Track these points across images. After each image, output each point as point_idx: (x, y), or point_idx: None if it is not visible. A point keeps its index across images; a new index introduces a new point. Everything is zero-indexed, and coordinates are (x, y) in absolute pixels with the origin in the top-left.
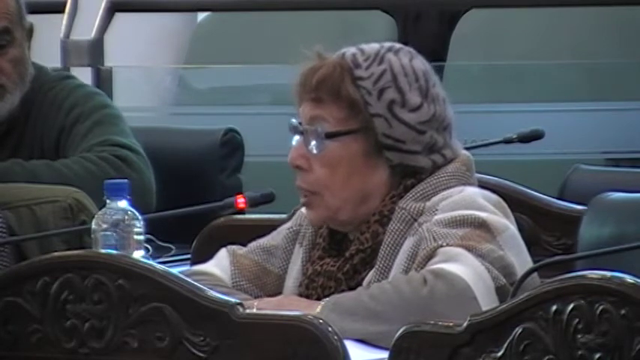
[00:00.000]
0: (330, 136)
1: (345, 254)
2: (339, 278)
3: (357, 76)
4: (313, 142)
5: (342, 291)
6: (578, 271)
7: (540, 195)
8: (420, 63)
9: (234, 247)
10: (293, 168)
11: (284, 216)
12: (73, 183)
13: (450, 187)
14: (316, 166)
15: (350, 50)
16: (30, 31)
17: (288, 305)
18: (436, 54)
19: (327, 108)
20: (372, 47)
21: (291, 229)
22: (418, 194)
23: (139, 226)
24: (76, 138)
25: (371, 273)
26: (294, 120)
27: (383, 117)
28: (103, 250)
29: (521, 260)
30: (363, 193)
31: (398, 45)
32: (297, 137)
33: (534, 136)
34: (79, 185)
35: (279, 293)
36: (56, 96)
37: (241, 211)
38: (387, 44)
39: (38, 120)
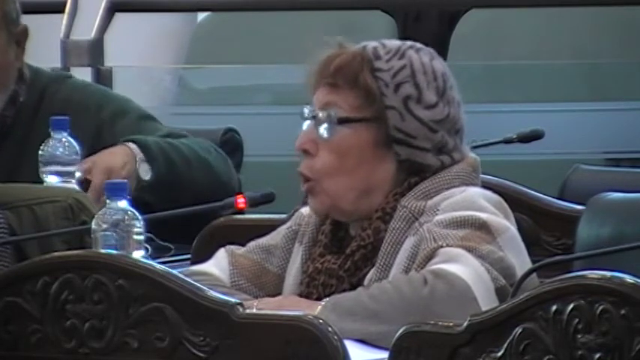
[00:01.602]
0: (342, 121)
1: (345, 251)
2: (340, 276)
3: (376, 67)
4: (325, 126)
5: (344, 289)
6: (578, 271)
7: (540, 195)
8: (440, 64)
9: (232, 247)
10: (300, 152)
11: (284, 216)
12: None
13: (453, 187)
14: (324, 152)
15: (371, 43)
16: (22, 34)
17: (289, 305)
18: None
19: (343, 94)
20: (393, 42)
21: (290, 229)
22: (420, 193)
23: (138, 226)
24: (128, 132)
25: (372, 271)
26: (306, 108)
27: (397, 110)
28: (103, 250)
29: (521, 261)
30: (367, 184)
31: (419, 44)
32: (307, 122)
33: (534, 136)
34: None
35: (279, 293)
36: (70, 97)
37: (241, 211)
38: (410, 42)
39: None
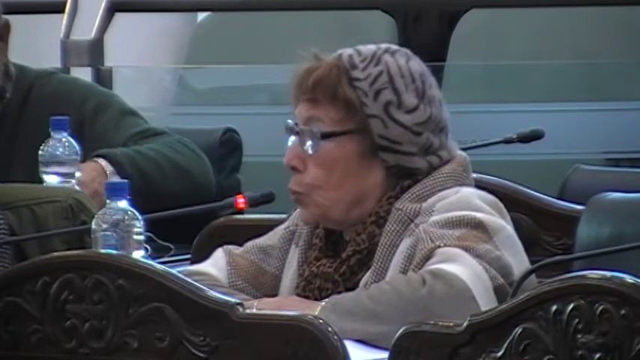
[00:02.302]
0: (325, 136)
1: (341, 255)
2: (336, 280)
3: (353, 77)
4: (309, 143)
5: (339, 292)
6: (578, 271)
7: (540, 195)
8: (417, 64)
9: (230, 246)
10: (288, 169)
11: (284, 216)
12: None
13: (447, 188)
14: (311, 167)
15: (346, 51)
16: (5, 29)
17: (289, 305)
18: (436, 54)
19: (324, 108)
20: (368, 48)
21: (287, 229)
22: (414, 195)
23: (138, 226)
24: (108, 128)
25: (367, 274)
26: (290, 121)
27: (379, 118)
28: (103, 250)
29: (517, 260)
30: (357, 194)
31: (394, 46)
32: (292, 138)
33: (534, 136)
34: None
35: (276, 293)
36: (57, 91)
37: (241, 211)
38: (384, 45)
39: (42, 116)
